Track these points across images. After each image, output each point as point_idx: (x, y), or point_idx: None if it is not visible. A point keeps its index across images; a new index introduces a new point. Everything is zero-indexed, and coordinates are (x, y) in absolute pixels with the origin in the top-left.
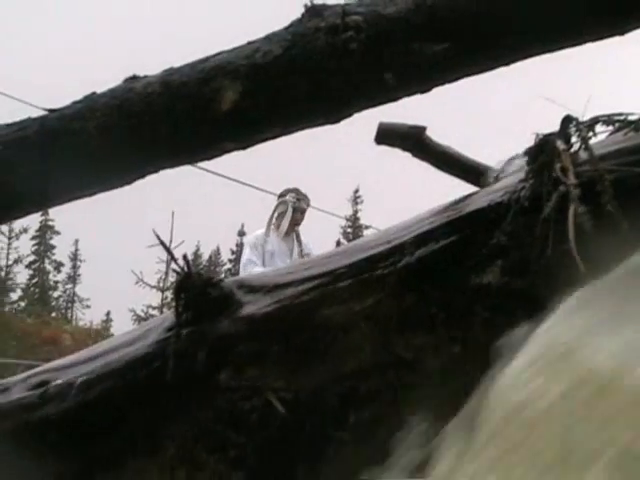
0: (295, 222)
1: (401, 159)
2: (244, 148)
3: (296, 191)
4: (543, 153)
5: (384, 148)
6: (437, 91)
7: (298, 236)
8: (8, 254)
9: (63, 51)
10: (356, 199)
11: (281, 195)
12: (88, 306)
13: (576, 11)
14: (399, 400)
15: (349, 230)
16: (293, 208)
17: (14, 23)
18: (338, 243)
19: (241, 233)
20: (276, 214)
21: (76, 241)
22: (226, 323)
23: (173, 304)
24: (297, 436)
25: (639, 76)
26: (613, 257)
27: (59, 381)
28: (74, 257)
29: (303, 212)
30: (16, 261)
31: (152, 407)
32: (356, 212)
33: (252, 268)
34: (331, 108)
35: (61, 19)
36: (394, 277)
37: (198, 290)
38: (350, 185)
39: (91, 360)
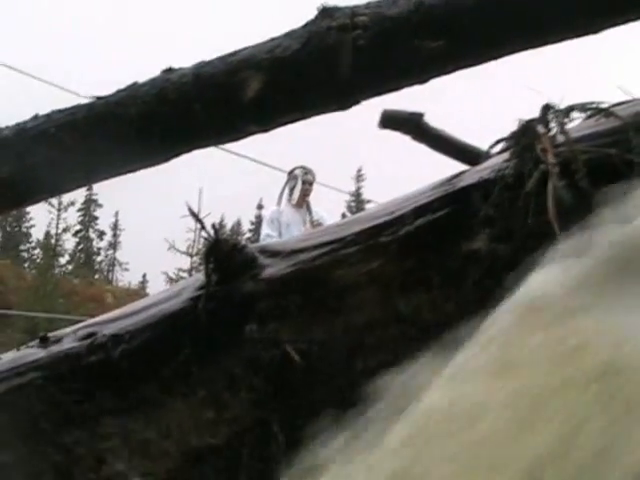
0: (305, 193)
1: (401, 142)
2: (266, 131)
3: (303, 166)
4: (525, 136)
5: (386, 132)
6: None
7: (309, 206)
8: (58, 224)
9: (110, 45)
10: (359, 177)
11: (290, 172)
12: (127, 269)
13: (560, 11)
14: (399, 350)
15: (353, 204)
16: (302, 181)
17: (65, 22)
18: (343, 216)
19: (259, 207)
20: (287, 188)
21: (116, 213)
22: (249, 283)
23: (201, 267)
24: (311, 381)
25: (611, 70)
26: (585, 225)
27: (105, 333)
28: (115, 227)
29: (311, 184)
30: (64, 230)
31: (185, 356)
32: (359, 188)
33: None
34: (342, 96)
35: (105, 24)
36: (396, 244)
37: (225, 254)
38: (354, 164)
39: (132, 315)
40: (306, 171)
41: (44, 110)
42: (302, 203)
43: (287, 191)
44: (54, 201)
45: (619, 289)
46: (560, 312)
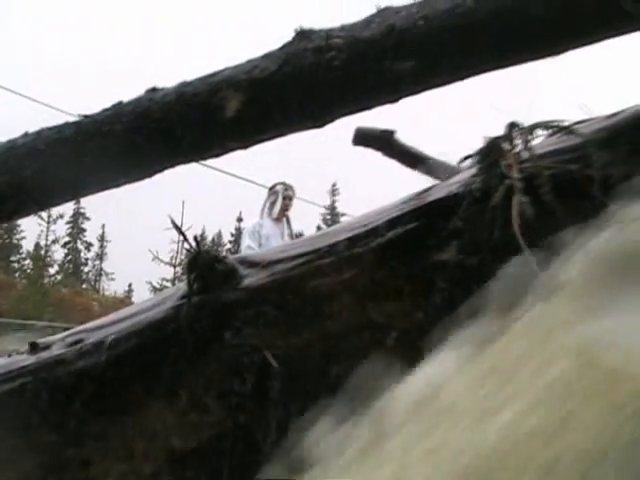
0: (285, 208)
1: (374, 158)
2: (246, 148)
3: (283, 183)
4: (492, 153)
5: (359, 148)
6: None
7: (288, 221)
8: (47, 236)
9: (99, 67)
10: (334, 191)
11: (271, 188)
12: (113, 279)
13: (525, 34)
14: (372, 356)
15: (328, 217)
16: (283, 196)
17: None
18: (318, 228)
19: (239, 219)
20: (268, 203)
21: (103, 225)
22: (229, 292)
23: (184, 277)
24: (288, 386)
25: (573, 89)
26: (548, 238)
27: (92, 339)
28: (101, 239)
29: (291, 199)
30: (53, 241)
31: (169, 362)
32: (334, 202)
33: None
34: (318, 115)
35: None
36: (369, 255)
37: (206, 265)
38: (329, 179)
39: (118, 322)
40: (286, 187)
41: (34, 128)
42: (282, 217)
43: (268, 205)
44: (44, 214)
45: (618, 291)
46: (564, 314)
